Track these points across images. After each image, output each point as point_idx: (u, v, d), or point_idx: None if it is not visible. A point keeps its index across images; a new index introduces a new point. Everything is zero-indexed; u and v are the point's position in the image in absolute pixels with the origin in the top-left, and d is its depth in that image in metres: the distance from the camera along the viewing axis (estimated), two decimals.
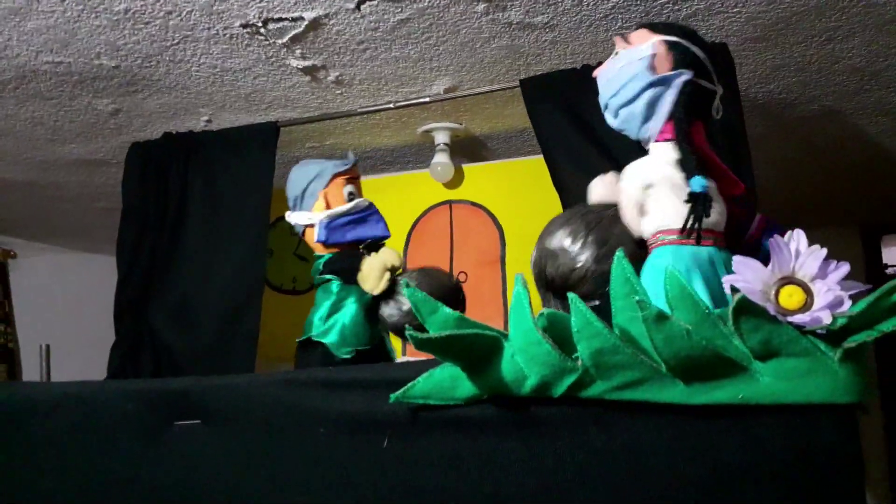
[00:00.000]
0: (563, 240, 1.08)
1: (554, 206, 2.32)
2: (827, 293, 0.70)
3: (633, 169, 1.06)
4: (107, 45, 1.79)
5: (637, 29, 1.18)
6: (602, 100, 1.15)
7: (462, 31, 1.77)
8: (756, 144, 1.78)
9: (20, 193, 2.92)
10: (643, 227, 1.01)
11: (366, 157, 2.61)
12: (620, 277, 0.74)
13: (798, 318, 0.70)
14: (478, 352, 0.77)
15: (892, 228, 3.80)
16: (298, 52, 1.85)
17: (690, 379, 0.72)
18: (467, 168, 2.54)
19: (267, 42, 1.80)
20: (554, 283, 1.06)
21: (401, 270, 1.55)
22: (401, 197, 2.55)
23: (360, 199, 1.63)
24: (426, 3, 1.65)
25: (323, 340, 1.54)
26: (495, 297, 2.42)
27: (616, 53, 1.16)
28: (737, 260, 0.74)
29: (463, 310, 1.58)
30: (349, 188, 1.61)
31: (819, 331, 0.70)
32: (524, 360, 0.76)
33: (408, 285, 0.81)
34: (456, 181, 2.51)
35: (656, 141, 1.08)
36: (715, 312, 0.72)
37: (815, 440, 0.71)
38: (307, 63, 1.91)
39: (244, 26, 1.72)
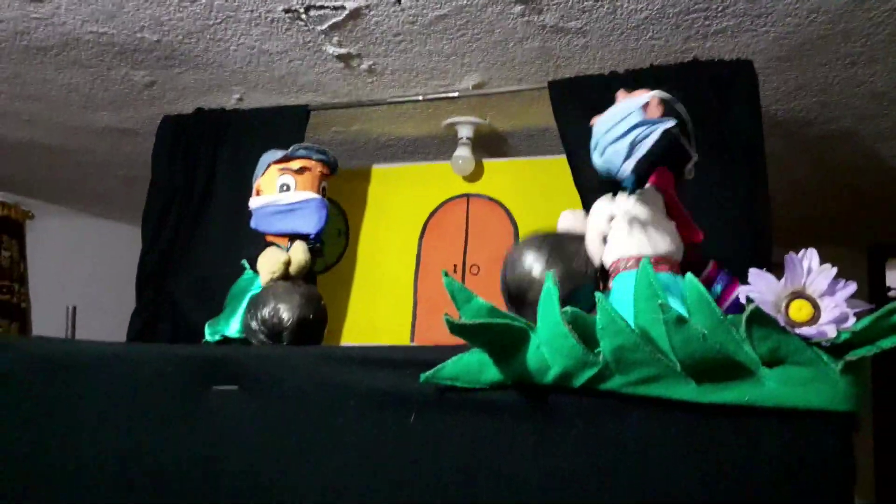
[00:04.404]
0: (522, 252, 1.18)
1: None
2: (834, 309, 0.75)
3: (601, 204, 1.14)
4: (151, 19, 1.85)
5: (640, 89, 1.28)
6: (593, 140, 1.23)
7: (497, 31, 1.82)
8: (772, 160, 1.83)
9: (45, 156, 2.98)
10: (605, 256, 1.10)
11: (388, 145, 2.66)
12: (644, 282, 0.80)
13: (805, 331, 0.76)
14: (506, 340, 0.83)
15: None
16: (336, 39, 1.90)
17: (702, 379, 0.78)
18: (487, 163, 2.59)
19: (306, 28, 1.85)
20: (509, 288, 1.15)
21: (279, 273, 1.46)
22: (420, 187, 2.60)
23: (291, 193, 1.56)
24: (465, 1, 1.70)
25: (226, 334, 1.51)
26: None
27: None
28: (752, 272, 0.80)
29: None
30: (284, 178, 1.58)
31: (824, 343, 0.76)
32: (549, 351, 0.82)
33: (446, 274, 0.87)
34: (475, 175, 2.56)
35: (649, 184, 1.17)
36: (728, 319, 0.78)
37: (811, 443, 0.77)
38: (343, 50, 1.96)
39: (287, 11, 1.78)
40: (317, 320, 1.37)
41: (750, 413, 0.78)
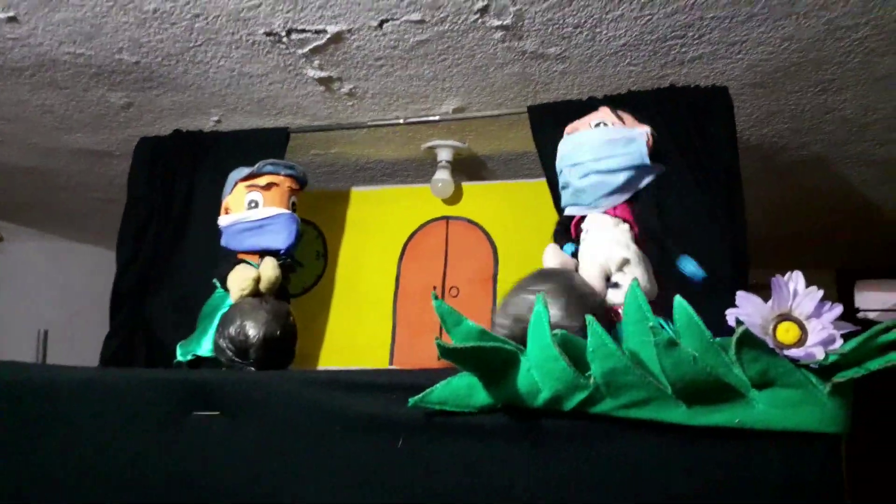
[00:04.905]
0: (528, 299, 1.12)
1: (546, 228, 2.38)
2: (821, 331, 0.76)
3: (604, 243, 1.14)
4: (130, 41, 1.83)
5: (623, 111, 1.30)
6: (574, 159, 1.23)
7: (477, 56, 1.84)
8: (745, 184, 1.86)
9: (18, 178, 2.93)
10: (613, 298, 1.10)
11: (368, 168, 2.66)
12: (633, 305, 0.81)
13: (794, 353, 0.77)
14: (496, 364, 0.83)
15: (865, 274, 3.94)
16: (316, 62, 1.91)
17: (693, 402, 0.78)
18: (466, 186, 2.60)
19: (287, 51, 1.85)
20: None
21: (249, 290, 1.43)
22: (399, 209, 2.61)
23: (259, 209, 1.55)
24: (447, 27, 1.71)
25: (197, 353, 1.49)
26: (485, 313, 2.48)
27: (601, 123, 1.25)
28: (740, 294, 0.81)
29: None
30: (251, 195, 1.57)
31: (812, 365, 0.77)
32: (540, 374, 0.82)
33: (436, 297, 0.86)
34: (454, 198, 2.57)
35: (607, 213, 1.18)
36: (717, 342, 0.79)
37: (801, 465, 0.78)
38: (323, 74, 1.97)
39: (268, 34, 1.78)
40: (284, 337, 1.36)
41: (740, 435, 0.78)
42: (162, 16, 1.71)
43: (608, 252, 1.12)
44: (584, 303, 1.06)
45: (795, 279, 0.81)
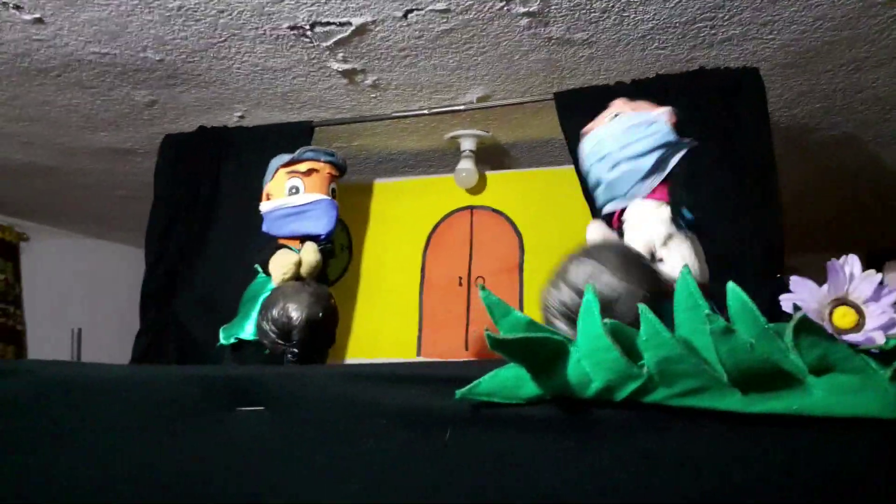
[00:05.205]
0: (597, 268, 1.05)
1: (572, 216, 2.37)
2: (881, 315, 0.75)
3: (653, 216, 1.12)
4: (155, 39, 1.83)
5: (638, 100, 1.27)
6: (599, 153, 1.20)
7: (503, 44, 1.82)
8: None
9: (42, 178, 2.95)
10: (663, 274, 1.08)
11: (390, 159, 2.66)
12: (684, 292, 0.79)
13: (853, 338, 0.75)
14: (545, 354, 0.82)
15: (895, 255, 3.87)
16: (340, 55, 1.90)
17: (748, 389, 0.77)
18: (490, 175, 2.59)
19: (311, 44, 1.85)
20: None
21: (290, 274, 1.43)
22: (423, 200, 2.60)
23: (300, 195, 1.54)
24: (472, 15, 1.70)
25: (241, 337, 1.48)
26: (512, 303, 2.46)
27: (617, 115, 1.22)
28: (794, 280, 0.79)
29: None
30: (292, 182, 1.56)
31: (872, 350, 0.75)
32: (590, 364, 0.81)
33: (483, 287, 0.85)
34: (478, 187, 2.55)
35: (646, 198, 1.15)
36: (772, 327, 0.77)
37: (862, 452, 0.76)
38: (347, 66, 1.96)
39: (292, 28, 1.77)
40: (326, 318, 1.36)
41: (798, 423, 0.77)
42: (186, 12, 1.71)
43: (651, 229, 1.11)
44: (644, 268, 1.05)
45: (851, 263, 0.79)
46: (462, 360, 2.38)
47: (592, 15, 1.69)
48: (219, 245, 2.20)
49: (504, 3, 1.64)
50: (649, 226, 1.10)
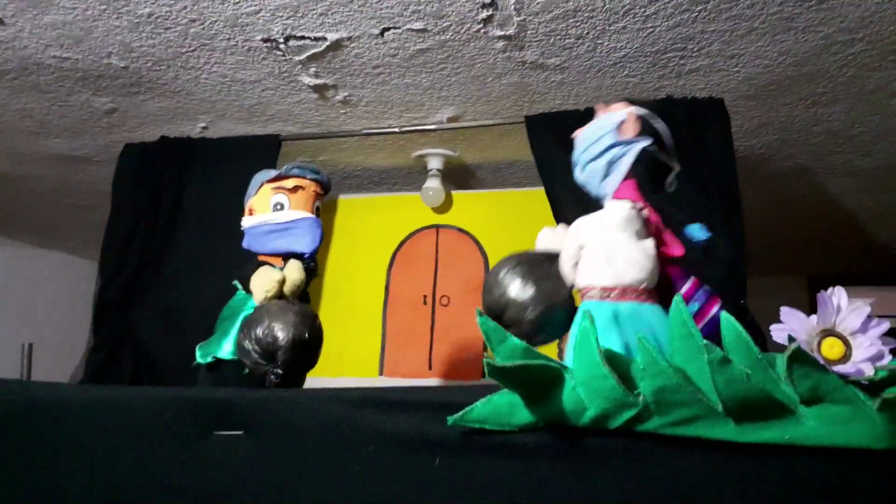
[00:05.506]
0: (498, 273, 1.20)
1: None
2: (869, 347, 0.77)
3: (576, 226, 1.16)
4: (121, 45, 1.78)
5: (619, 101, 1.31)
6: (574, 155, 1.25)
7: (477, 65, 1.83)
8: None
9: None
10: (577, 280, 1.13)
11: (356, 175, 2.63)
12: (678, 320, 0.80)
13: (842, 369, 0.77)
14: (541, 381, 0.82)
15: (837, 281, 4.02)
16: (313, 69, 1.88)
17: (741, 419, 0.78)
18: (456, 194, 2.59)
19: (283, 58, 1.82)
20: (489, 311, 1.17)
21: (273, 292, 1.40)
22: (388, 217, 2.59)
23: (285, 212, 1.51)
24: (449, 36, 1.70)
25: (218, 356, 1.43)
26: (476, 322, 2.47)
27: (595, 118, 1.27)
28: (784, 310, 0.81)
29: None
30: (277, 198, 1.52)
31: (862, 381, 0.77)
32: (586, 392, 0.81)
33: (480, 314, 0.85)
34: (444, 206, 2.56)
35: (612, 198, 1.19)
36: (764, 357, 0.79)
37: (852, 482, 0.78)
38: (319, 81, 1.94)
39: (265, 40, 1.74)
40: (312, 339, 1.33)
41: (789, 452, 0.78)
42: (157, 20, 1.67)
43: (571, 239, 1.15)
44: (542, 277, 1.14)
45: (838, 295, 0.81)
46: (425, 379, 2.36)
47: (567, 41, 1.72)
48: (178, 259, 2.13)
49: (482, 25, 1.66)
50: (569, 240, 1.15)
